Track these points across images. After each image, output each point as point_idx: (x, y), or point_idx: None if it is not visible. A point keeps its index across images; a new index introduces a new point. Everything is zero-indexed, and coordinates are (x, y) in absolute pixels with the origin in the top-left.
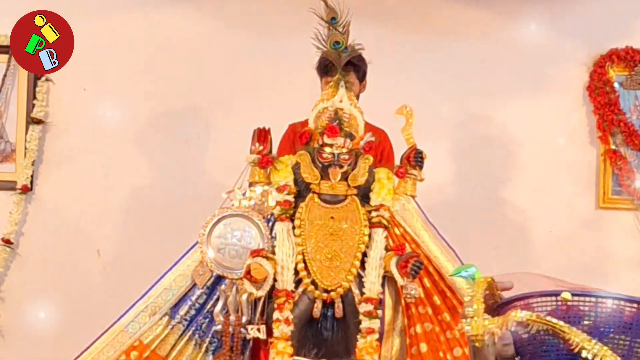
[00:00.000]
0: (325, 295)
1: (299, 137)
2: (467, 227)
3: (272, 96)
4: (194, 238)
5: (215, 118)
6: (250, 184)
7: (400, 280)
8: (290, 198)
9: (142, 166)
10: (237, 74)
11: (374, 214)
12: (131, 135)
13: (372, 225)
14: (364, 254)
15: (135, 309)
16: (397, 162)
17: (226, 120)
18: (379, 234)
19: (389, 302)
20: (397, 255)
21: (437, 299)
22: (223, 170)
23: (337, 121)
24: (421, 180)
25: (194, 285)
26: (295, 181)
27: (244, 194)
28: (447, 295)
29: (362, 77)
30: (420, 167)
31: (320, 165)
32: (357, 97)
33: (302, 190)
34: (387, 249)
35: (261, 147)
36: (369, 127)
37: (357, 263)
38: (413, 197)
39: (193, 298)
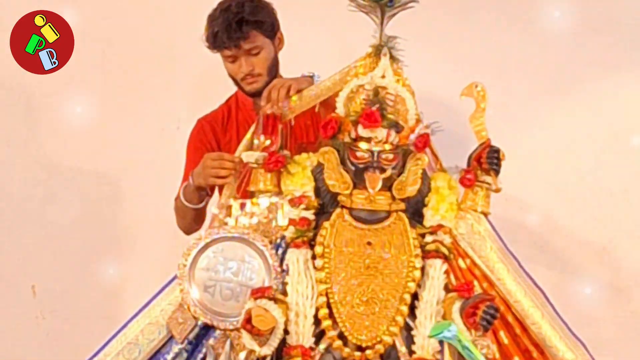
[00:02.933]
0: (358, 354)
1: (322, 127)
2: (562, 258)
3: (284, 68)
4: (171, 271)
5: (203, 99)
6: (253, 194)
7: (467, 335)
8: (310, 215)
9: (99, 164)
10: None
11: (428, 238)
12: (85, 122)
13: (426, 254)
14: (415, 296)
15: None
16: (462, 163)
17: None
18: (436, 268)
19: None
20: (462, 299)
21: None
22: None
23: (378, 105)
24: (497, 190)
25: (171, 338)
26: (317, 190)
27: (242, 209)
28: (533, 356)
29: (271, 32)
30: (497, 172)
31: (353, 168)
32: (273, 62)
33: (326, 203)
34: (447, 289)
35: (268, 141)
36: None
37: (405, 309)
38: (486, 214)
39: (169, 357)
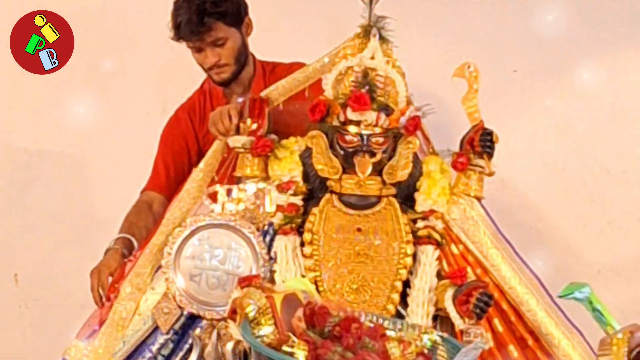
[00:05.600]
0: None
1: (309, 110)
2: (560, 243)
3: (273, 49)
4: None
5: (189, 80)
6: (239, 180)
7: (459, 323)
8: (298, 200)
9: (82, 147)
10: None
11: (420, 224)
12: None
13: (418, 240)
14: (406, 283)
15: None
16: (454, 146)
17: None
18: (428, 254)
19: None
20: (455, 286)
21: (513, 350)
22: None
23: (367, 87)
24: (490, 174)
25: (156, 328)
26: (306, 175)
27: (229, 195)
28: (528, 344)
29: (237, 20)
30: (490, 155)
31: (342, 152)
32: (241, 49)
33: (315, 189)
34: (440, 276)
35: (255, 125)
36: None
37: (396, 297)
38: (479, 198)
39: (154, 348)
